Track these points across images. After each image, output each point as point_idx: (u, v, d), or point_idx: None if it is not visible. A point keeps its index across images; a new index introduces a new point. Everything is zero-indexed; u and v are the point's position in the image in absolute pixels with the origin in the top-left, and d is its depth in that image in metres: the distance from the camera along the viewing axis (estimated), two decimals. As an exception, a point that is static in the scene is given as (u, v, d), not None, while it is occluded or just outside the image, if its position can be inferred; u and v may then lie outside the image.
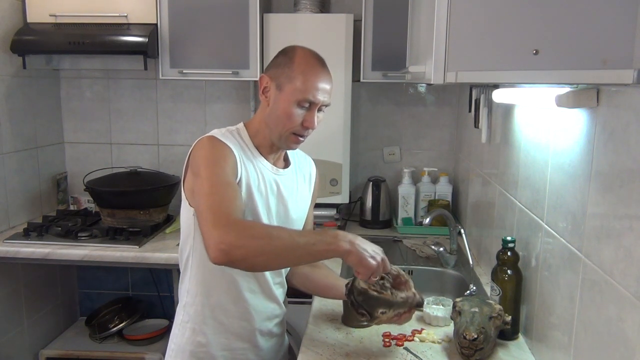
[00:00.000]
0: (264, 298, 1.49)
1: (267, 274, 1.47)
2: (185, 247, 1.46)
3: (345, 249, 1.23)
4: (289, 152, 1.55)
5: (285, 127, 1.38)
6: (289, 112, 1.36)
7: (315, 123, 1.39)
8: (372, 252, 1.27)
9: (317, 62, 1.39)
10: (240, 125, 1.48)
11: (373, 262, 1.26)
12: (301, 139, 1.42)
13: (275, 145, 1.45)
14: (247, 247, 1.16)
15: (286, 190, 1.48)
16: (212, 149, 1.34)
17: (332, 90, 1.42)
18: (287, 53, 1.41)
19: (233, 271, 1.40)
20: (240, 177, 1.35)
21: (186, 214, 1.43)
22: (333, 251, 1.23)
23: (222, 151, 1.34)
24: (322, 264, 1.64)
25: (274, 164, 1.48)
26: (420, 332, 1.51)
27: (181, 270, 1.50)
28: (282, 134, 1.40)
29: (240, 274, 1.43)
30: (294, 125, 1.38)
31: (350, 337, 1.50)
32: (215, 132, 1.41)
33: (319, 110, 1.40)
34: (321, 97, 1.37)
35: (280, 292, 1.54)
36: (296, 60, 1.37)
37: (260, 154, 1.45)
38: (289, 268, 1.57)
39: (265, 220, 1.41)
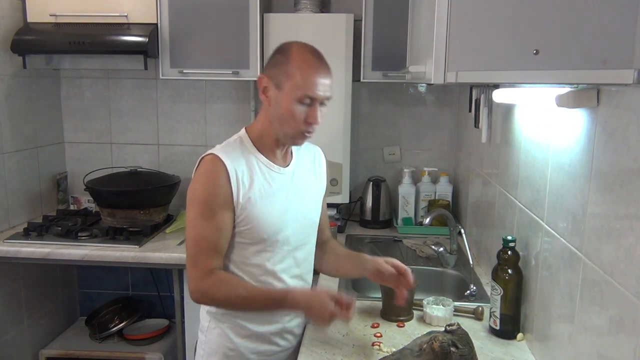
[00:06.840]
0: None
1: (290, 281, 1.49)
2: None
3: (299, 310, 1.43)
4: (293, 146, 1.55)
5: (290, 126, 1.38)
6: (291, 110, 1.36)
7: (319, 118, 1.38)
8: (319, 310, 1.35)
9: (314, 57, 1.38)
10: (242, 132, 1.48)
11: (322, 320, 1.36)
12: (308, 135, 1.42)
13: (281, 142, 1.45)
14: (211, 304, 1.46)
15: (296, 187, 1.50)
16: (205, 187, 1.38)
17: (333, 84, 1.41)
18: (284, 50, 1.41)
19: (254, 279, 1.44)
20: (243, 193, 1.39)
21: None
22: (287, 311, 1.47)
23: (216, 184, 1.37)
24: (339, 250, 1.68)
25: (283, 160, 1.49)
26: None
27: None
28: (288, 133, 1.40)
29: (262, 282, 1.45)
30: (299, 123, 1.37)
31: (350, 337, 1.50)
32: (217, 151, 1.41)
33: (322, 104, 1.39)
34: (321, 92, 1.36)
35: None
36: (292, 57, 1.37)
37: (266, 156, 1.45)
38: (311, 270, 1.60)
39: (281, 218, 1.43)
